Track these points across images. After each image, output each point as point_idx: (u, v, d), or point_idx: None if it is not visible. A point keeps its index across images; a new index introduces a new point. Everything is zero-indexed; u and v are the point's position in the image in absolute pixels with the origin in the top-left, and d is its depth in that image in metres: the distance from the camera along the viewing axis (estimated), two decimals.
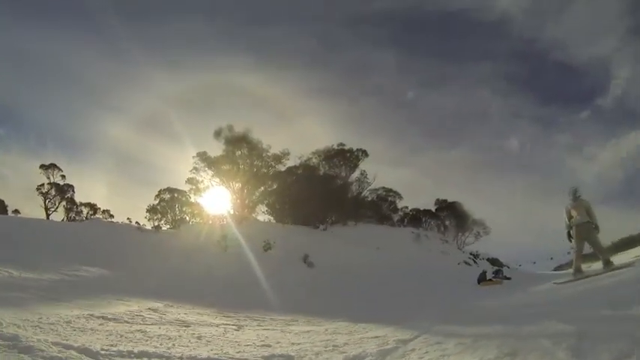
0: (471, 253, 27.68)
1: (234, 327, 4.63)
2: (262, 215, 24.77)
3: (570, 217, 8.96)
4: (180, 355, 2.85)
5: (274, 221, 23.58)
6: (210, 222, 20.76)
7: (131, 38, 58.39)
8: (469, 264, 21.87)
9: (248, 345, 3.39)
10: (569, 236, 9.03)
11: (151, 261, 12.09)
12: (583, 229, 8.65)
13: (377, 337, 3.86)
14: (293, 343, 3.55)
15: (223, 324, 4.84)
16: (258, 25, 74.55)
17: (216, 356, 2.89)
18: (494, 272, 17.04)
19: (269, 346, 3.38)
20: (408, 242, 22.28)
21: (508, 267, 25.79)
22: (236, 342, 3.54)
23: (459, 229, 35.68)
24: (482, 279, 14.94)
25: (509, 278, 16.22)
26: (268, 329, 4.67)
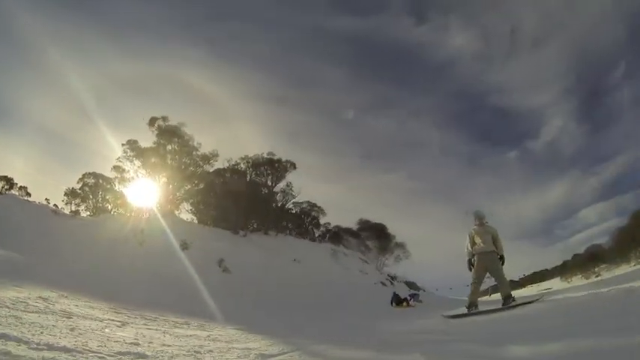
0: (389, 275, 28.83)
1: (118, 323, 4.54)
2: (185, 214, 24.29)
3: (473, 244, 8.00)
4: (38, 341, 2.81)
5: (196, 221, 23.16)
6: (132, 214, 19.85)
7: (79, 9, 55.11)
8: (385, 285, 22.78)
9: (117, 341, 3.35)
10: (470, 264, 8.02)
11: (64, 247, 11.36)
12: (487, 259, 7.72)
13: (247, 348, 3.94)
14: (164, 345, 3.57)
15: (109, 319, 4.72)
16: (215, 20, 73.13)
17: (73, 347, 2.86)
18: (411, 295, 17.90)
19: (137, 344, 3.36)
20: (325, 258, 22.81)
21: (424, 290, 27.17)
22: (108, 338, 3.48)
23: (380, 250, 37.02)
24: (395, 301, 15.70)
25: (421, 301, 17.22)
26: (152, 329, 4.61)
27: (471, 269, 8.00)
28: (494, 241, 7.92)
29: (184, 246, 13.59)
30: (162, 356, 2.99)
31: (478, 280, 7.91)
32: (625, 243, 47.11)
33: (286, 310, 11.28)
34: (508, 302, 7.21)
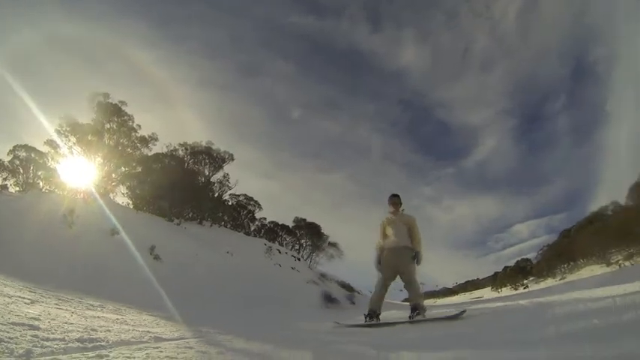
0: (321, 274, 29.53)
1: (27, 301, 4.38)
2: (121, 197, 23.47)
3: (385, 236, 6.65)
4: None
5: (131, 206, 22.54)
6: (64, 193, 18.91)
7: None
8: (317, 283, 23.37)
9: (18, 315, 3.28)
10: (379, 262, 6.57)
11: None
12: (397, 256, 6.31)
13: (148, 332, 3.91)
14: (66, 322, 3.50)
15: (19, 296, 4.54)
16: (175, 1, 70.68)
17: None
18: (347, 297, 18.62)
19: (38, 319, 3.31)
20: (259, 253, 23.04)
21: (359, 292, 28.09)
22: (9, 312, 3.37)
23: (313, 248, 37.74)
24: (326, 299, 16.41)
25: (353, 303, 18.08)
26: (61, 309, 4.45)
27: (378, 268, 6.57)
28: (410, 233, 6.45)
29: (115, 231, 13.37)
30: (56, 330, 3.01)
31: (384, 283, 6.37)
32: (552, 259, 52.66)
33: (214, 302, 11.55)
34: (415, 314, 5.73)
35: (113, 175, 22.78)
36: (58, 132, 21.01)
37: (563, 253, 49.66)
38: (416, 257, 6.30)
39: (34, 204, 13.05)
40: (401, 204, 6.79)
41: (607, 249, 38.18)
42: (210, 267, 15.14)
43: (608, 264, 36.16)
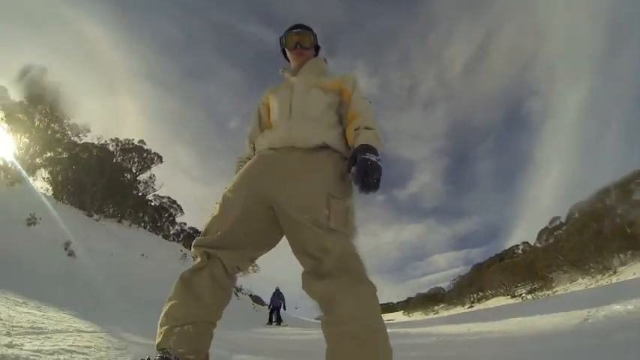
0: (234, 287, 29.95)
1: None
2: (41, 182, 22.40)
3: (265, 123, 3.62)
4: None
5: (51, 192, 21.90)
6: None
7: None
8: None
9: None
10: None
11: None
12: (289, 174, 2.42)
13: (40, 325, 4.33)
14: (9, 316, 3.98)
15: None
16: None
17: None
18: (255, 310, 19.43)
19: None
20: (174, 258, 23.28)
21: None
22: None
23: None
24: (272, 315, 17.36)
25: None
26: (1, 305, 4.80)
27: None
28: (345, 112, 3.24)
29: (32, 220, 13.35)
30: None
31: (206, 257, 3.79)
32: (463, 288, 58.97)
33: (124, 304, 11.91)
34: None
35: (37, 160, 21.98)
36: None
37: (473, 283, 56.30)
38: (359, 174, 1.58)
39: None
40: (316, 47, 2.38)
41: (513, 283, 43.91)
42: (125, 268, 15.47)
43: (513, 296, 40.89)
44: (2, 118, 20.30)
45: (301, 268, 1.65)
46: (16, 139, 20.57)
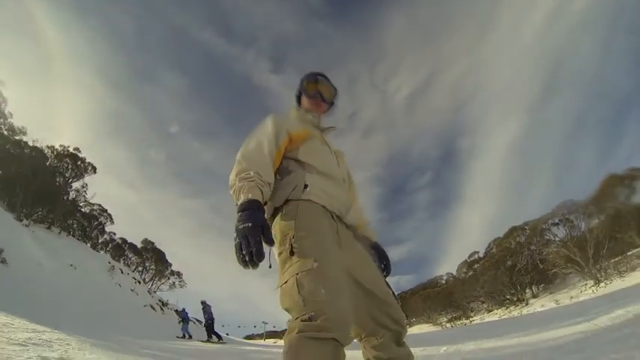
0: (160, 300, 29.39)
1: None
2: None
3: (297, 161, 2.99)
4: None
5: None
6: None
7: None
8: (154, 309, 23.66)
9: None
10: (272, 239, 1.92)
11: None
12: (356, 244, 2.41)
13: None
14: None
15: None
16: None
17: None
18: (182, 328, 18.79)
19: None
20: (102, 270, 23.01)
21: (194, 322, 28.49)
22: None
23: (156, 274, 37.49)
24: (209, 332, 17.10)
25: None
26: None
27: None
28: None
29: None
30: None
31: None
32: None
33: (55, 316, 11.95)
34: None
35: None
36: None
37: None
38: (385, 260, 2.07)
39: None
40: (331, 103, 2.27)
41: (434, 312, 46.62)
42: (54, 278, 15.43)
43: (435, 324, 43.38)
44: None
45: (353, 330, 1.64)
46: None
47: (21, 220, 19.87)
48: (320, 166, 1.82)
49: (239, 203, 1.51)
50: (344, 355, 1.36)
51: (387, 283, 1.77)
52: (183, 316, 17.90)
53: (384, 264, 1.98)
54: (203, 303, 17.45)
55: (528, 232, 37.39)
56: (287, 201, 1.68)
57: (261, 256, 1.35)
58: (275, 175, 1.76)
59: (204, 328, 17.56)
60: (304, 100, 2.16)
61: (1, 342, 4.13)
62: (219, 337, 16.90)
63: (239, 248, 1.35)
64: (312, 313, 1.33)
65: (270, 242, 1.42)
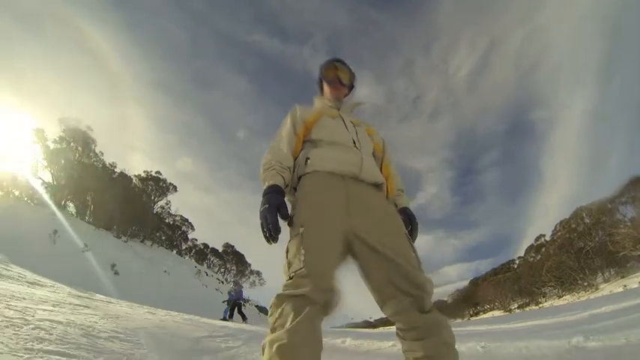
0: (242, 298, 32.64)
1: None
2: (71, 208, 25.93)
3: (308, 136, 2.81)
4: None
5: (81, 219, 24.87)
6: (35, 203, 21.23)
7: None
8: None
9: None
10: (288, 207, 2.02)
11: None
12: (369, 198, 2.16)
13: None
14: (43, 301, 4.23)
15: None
16: None
17: None
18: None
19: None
20: (190, 273, 26.56)
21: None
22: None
23: (237, 273, 41.34)
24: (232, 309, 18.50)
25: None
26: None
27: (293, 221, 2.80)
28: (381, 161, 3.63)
29: (85, 248, 16.74)
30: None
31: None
32: (460, 302, 60.67)
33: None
34: None
35: (66, 192, 25.26)
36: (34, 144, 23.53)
37: (469, 298, 57.88)
38: (411, 224, 1.95)
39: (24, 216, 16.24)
40: (350, 87, 2.33)
41: (506, 298, 45.04)
42: (154, 283, 18.68)
43: (506, 310, 42.37)
44: (44, 157, 23.92)
45: (371, 297, 1.63)
46: (55, 176, 24.33)
47: (119, 238, 23.89)
48: (327, 136, 1.92)
49: (263, 191, 1.66)
50: (316, 314, 1.37)
51: (413, 247, 1.67)
52: (230, 298, 17.11)
53: (409, 229, 1.89)
54: (235, 282, 18.12)
55: (593, 212, 34.06)
56: (298, 179, 1.81)
57: (277, 231, 1.48)
58: (295, 160, 1.88)
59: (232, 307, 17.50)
60: (325, 85, 2.23)
61: (150, 316, 5.25)
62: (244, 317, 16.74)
63: (261, 228, 1.51)
64: (293, 274, 1.41)
65: (285, 217, 1.56)
